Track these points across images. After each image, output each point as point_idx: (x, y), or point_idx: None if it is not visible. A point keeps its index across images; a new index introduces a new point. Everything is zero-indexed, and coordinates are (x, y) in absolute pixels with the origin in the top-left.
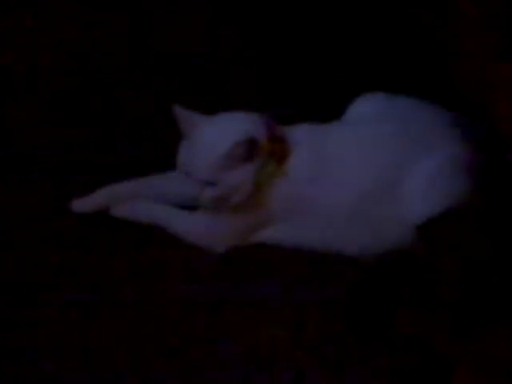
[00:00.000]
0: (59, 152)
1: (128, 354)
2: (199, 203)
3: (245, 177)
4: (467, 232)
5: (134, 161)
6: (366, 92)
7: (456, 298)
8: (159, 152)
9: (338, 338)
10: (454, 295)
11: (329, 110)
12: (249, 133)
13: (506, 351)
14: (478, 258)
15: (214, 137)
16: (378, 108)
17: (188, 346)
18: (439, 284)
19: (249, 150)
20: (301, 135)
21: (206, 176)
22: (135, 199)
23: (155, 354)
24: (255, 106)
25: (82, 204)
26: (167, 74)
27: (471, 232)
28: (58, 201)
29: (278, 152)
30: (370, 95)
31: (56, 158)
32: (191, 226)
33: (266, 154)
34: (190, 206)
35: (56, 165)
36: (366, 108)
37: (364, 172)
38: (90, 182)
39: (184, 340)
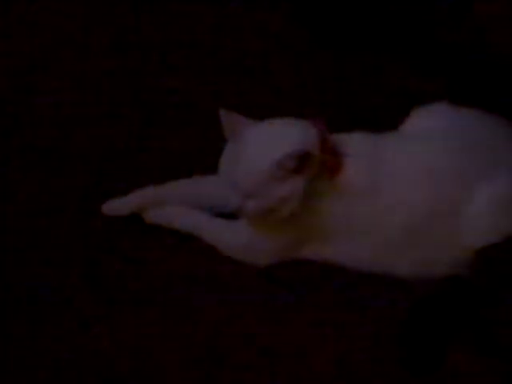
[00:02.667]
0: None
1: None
2: (240, 215)
3: (293, 191)
4: None
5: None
6: (427, 101)
7: None
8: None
9: (387, 371)
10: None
11: (384, 119)
12: (301, 143)
13: None
14: None
15: (262, 145)
16: (442, 120)
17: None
18: (497, 323)
19: (301, 162)
20: (355, 146)
21: (249, 187)
22: (171, 204)
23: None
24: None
25: (115, 206)
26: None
27: None
28: (87, 202)
29: (330, 164)
30: (432, 105)
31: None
32: (233, 239)
33: (318, 166)
34: (230, 214)
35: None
36: (427, 119)
37: (423, 190)
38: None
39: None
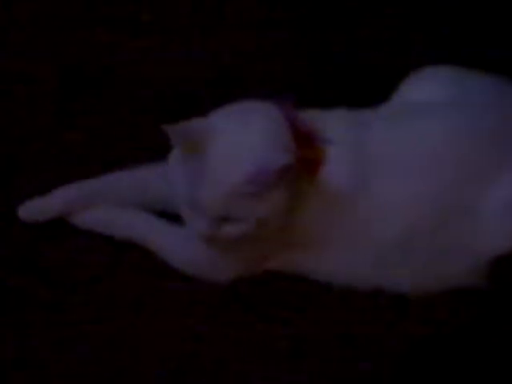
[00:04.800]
0: None
1: None
2: (210, 241)
3: (275, 207)
4: None
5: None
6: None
7: None
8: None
9: None
10: None
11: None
12: (279, 148)
13: None
14: None
15: (230, 156)
16: (445, 89)
17: None
18: None
19: (281, 173)
20: (336, 130)
21: (221, 209)
22: (106, 203)
23: None
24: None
25: (35, 208)
26: None
27: None
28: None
29: (309, 161)
30: (431, 69)
31: None
32: (187, 250)
33: (298, 167)
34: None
35: None
36: (428, 87)
37: (426, 185)
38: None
39: None
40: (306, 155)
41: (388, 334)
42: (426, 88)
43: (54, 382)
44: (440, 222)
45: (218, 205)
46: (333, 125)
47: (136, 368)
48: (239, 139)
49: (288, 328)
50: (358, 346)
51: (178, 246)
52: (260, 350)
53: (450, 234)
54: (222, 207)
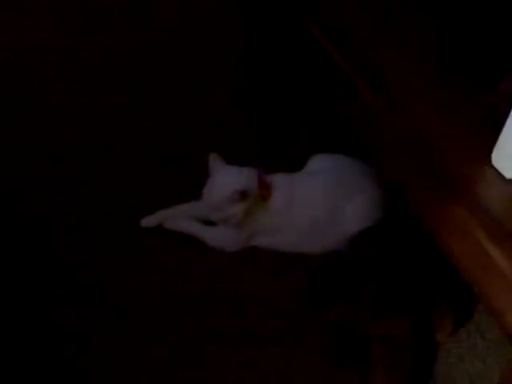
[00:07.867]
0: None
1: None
2: (212, 220)
3: (238, 210)
4: (381, 244)
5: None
6: (318, 151)
7: (373, 293)
8: None
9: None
10: (373, 292)
11: (296, 163)
12: (244, 184)
13: (400, 329)
14: (387, 265)
15: (223, 184)
16: (326, 163)
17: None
18: (362, 283)
19: (241, 195)
20: (279, 182)
21: (216, 206)
22: (180, 217)
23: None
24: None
25: (149, 220)
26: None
27: (383, 245)
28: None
29: (265, 194)
30: (320, 155)
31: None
32: (216, 237)
33: (256, 195)
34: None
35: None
36: (318, 163)
37: (319, 205)
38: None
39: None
40: (262, 190)
41: None
42: (319, 163)
43: None
44: (325, 220)
45: (216, 206)
46: (278, 180)
47: None
48: (230, 177)
49: None
50: None
51: (214, 236)
52: None
53: (330, 226)
54: (216, 205)
